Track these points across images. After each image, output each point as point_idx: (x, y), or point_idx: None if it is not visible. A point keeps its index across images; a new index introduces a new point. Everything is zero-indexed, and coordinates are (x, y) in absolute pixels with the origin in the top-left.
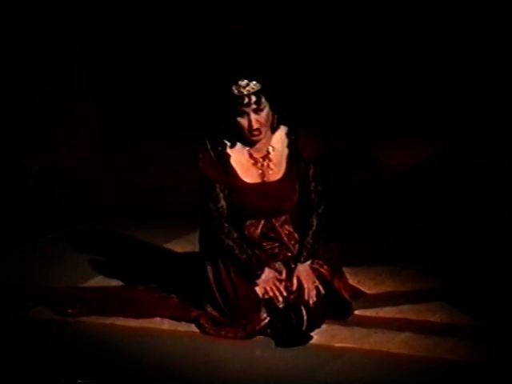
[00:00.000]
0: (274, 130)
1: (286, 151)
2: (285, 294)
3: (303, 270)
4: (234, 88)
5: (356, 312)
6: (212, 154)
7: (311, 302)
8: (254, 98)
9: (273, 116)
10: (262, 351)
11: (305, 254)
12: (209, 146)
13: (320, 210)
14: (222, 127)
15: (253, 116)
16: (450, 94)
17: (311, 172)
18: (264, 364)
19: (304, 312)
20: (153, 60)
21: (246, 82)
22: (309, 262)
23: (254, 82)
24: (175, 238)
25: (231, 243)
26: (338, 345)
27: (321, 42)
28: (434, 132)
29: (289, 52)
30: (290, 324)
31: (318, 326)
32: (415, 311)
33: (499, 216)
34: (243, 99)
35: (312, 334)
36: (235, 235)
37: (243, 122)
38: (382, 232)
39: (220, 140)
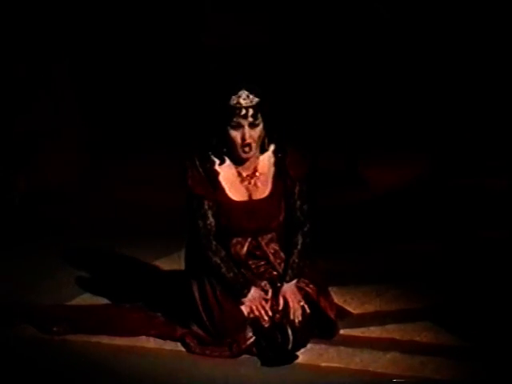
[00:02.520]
0: (263, 150)
1: (272, 169)
2: (270, 313)
3: (289, 289)
4: (233, 98)
5: (342, 331)
6: (201, 170)
7: (297, 321)
8: (251, 111)
9: (264, 135)
10: (247, 370)
11: (290, 273)
12: (197, 162)
13: (305, 229)
14: (212, 142)
15: (247, 130)
16: (435, 115)
17: (297, 190)
18: (249, 383)
19: (290, 331)
20: (140, 78)
21: (246, 93)
22: (294, 281)
23: (254, 96)
24: (162, 256)
25: (218, 261)
26: (324, 364)
27: (308, 59)
28: (419, 152)
29: (275, 70)
30: (275, 343)
31: (304, 346)
32: (401, 331)
33: (485, 236)
34: (241, 111)
35: (298, 353)
36: (223, 253)
37: (236, 134)
38: (369, 251)
39: (209, 156)
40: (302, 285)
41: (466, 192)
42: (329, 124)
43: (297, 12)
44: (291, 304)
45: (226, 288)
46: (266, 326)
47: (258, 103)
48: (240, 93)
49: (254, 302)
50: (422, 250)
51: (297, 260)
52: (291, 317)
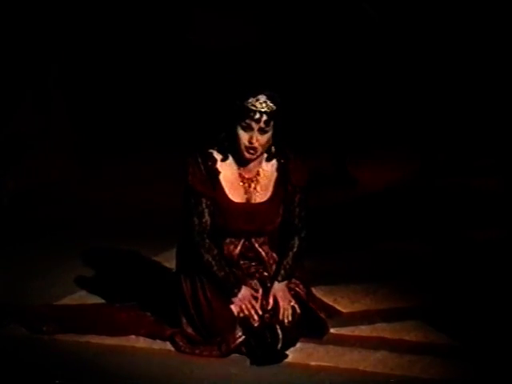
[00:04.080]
0: (269, 158)
1: (274, 174)
2: (260, 312)
3: (280, 289)
4: (251, 99)
5: (332, 330)
6: (202, 168)
7: (286, 321)
8: (265, 117)
9: (271, 143)
10: (237, 370)
11: (283, 273)
12: (199, 159)
13: (302, 235)
14: (220, 135)
15: (256, 134)
16: (423, 114)
17: (297, 197)
18: (239, 383)
19: (279, 331)
20: (130, 78)
21: (264, 98)
22: (285, 282)
23: (272, 103)
24: (153, 256)
25: (210, 259)
26: (313, 363)
27: (295, 59)
28: (408, 152)
29: (263, 69)
30: (265, 342)
31: (294, 345)
32: (391, 330)
33: (473, 235)
34: (255, 114)
35: (288, 352)
36: (215, 252)
37: (244, 136)
38: (358, 251)
39: (211, 154)
40: (293, 285)
41: (454, 191)
42: (317, 123)
43: (285, 11)
44: (281, 304)
45: (216, 287)
46: (256, 325)
47: (273, 111)
48: (259, 96)
49: (243, 301)
50: (411, 249)
51: (290, 262)
52: (281, 317)
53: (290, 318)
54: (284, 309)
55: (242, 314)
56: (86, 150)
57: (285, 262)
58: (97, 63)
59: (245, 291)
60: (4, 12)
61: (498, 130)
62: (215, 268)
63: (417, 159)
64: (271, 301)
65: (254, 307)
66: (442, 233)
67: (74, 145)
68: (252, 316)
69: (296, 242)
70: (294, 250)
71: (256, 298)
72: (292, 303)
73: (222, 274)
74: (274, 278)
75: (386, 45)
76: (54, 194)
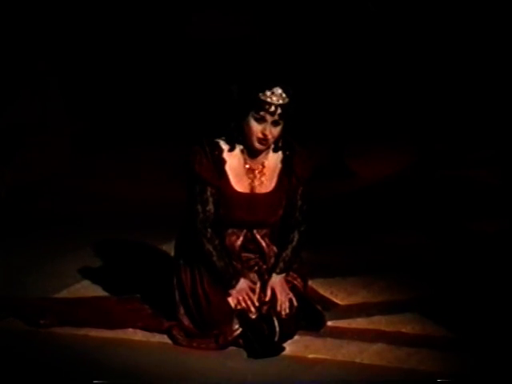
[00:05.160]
0: (276, 149)
1: (279, 166)
2: (257, 304)
3: (278, 281)
4: (266, 92)
5: (329, 323)
6: (209, 156)
7: (284, 313)
8: (279, 110)
9: (281, 135)
10: (234, 362)
11: (281, 265)
12: (207, 149)
13: (302, 228)
14: (230, 125)
15: (269, 126)
16: (421, 106)
17: (300, 190)
18: (236, 375)
19: (276, 323)
20: (127, 71)
21: (280, 91)
22: (283, 275)
23: (287, 97)
24: (151, 249)
25: (211, 248)
26: (310, 356)
27: (293, 52)
28: (405, 144)
29: (261, 62)
30: (262, 335)
31: (291, 337)
32: (388, 322)
33: (471, 227)
34: (270, 107)
35: (285, 345)
36: (216, 241)
37: (257, 127)
38: (356, 243)
39: (218, 144)
40: (290, 278)
41: (452, 183)
42: (314, 116)
43: (283, 4)
44: (279, 296)
45: (214, 277)
46: (253, 317)
47: (287, 104)
48: (275, 89)
49: (241, 292)
50: (409, 242)
51: (290, 255)
52: (278, 308)
53: (287, 311)
54: (281, 301)
55: (239, 306)
56: (84, 143)
57: (284, 255)
58: (94, 55)
59: (243, 283)
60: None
61: (495, 121)
62: (215, 258)
63: (415, 151)
64: (269, 292)
65: (251, 299)
66: (440, 225)
67: (71, 137)
68: (249, 308)
69: (296, 235)
70: (294, 243)
71: (253, 291)
72: (289, 296)
73: (222, 264)
74: (272, 271)
75: (383, 37)
76: (52, 187)
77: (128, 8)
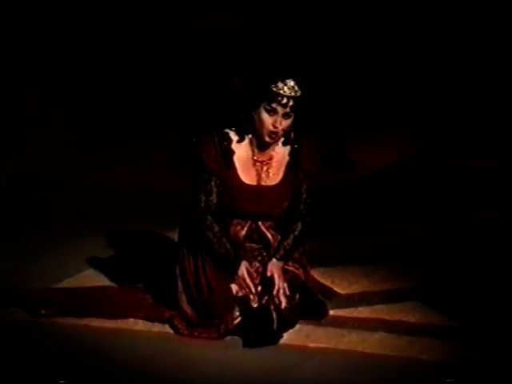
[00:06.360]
0: (286, 143)
1: (286, 159)
2: (256, 290)
3: (277, 266)
4: (279, 84)
5: (330, 312)
6: (217, 147)
7: (281, 298)
8: (291, 102)
9: (291, 128)
10: (235, 352)
11: (282, 252)
12: (216, 139)
13: (306, 220)
14: (241, 116)
15: (280, 118)
16: (421, 95)
17: (306, 184)
18: (238, 365)
19: (274, 312)
20: (127, 62)
21: (293, 83)
22: (282, 263)
23: (299, 89)
24: (152, 238)
25: (211, 236)
26: (312, 345)
27: (293, 42)
28: (406, 132)
29: (261, 52)
30: (259, 323)
31: (292, 327)
32: (389, 311)
33: (473, 215)
34: (283, 98)
35: (286, 334)
36: (216, 229)
37: (268, 119)
38: (357, 232)
39: (227, 134)
40: (292, 268)
41: (453, 172)
42: (315, 105)
43: None
44: (276, 281)
45: (216, 264)
46: (253, 305)
47: (299, 96)
48: (288, 81)
49: (242, 277)
50: (410, 231)
51: (291, 244)
52: (274, 292)
53: (283, 296)
54: (279, 286)
55: (240, 293)
56: (84, 134)
57: (285, 243)
58: (94, 47)
59: (244, 268)
60: None
61: (495, 110)
62: (216, 245)
63: (415, 140)
64: (268, 274)
65: (252, 282)
66: (441, 214)
67: (72, 128)
68: (250, 290)
69: (299, 226)
70: (296, 233)
71: (254, 276)
72: (285, 285)
73: (222, 250)
74: (272, 256)
75: (383, 28)
76: (52, 178)
77: (127, 0)
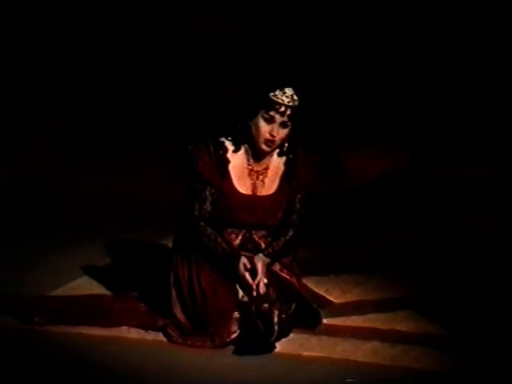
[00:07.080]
0: (281, 153)
1: (281, 169)
2: (252, 282)
3: (262, 261)
4: (277, 92)
5: (324, 321)
6: (213, 156)
7: (260, 290)
8: (289, 112)
9: (287, 138)
10: (229, 360)
11: (270, 251)
12: (211, 148)
13: (297, 228)
14: (237, 125)
15: (277, 127)
16: (416, 104)
17: (300, 194)
18: (232, 373)
19: (276, 322)
20: (123, 68)
21: (291, 92)
22: (268, 260)
23: (298, 98)
24: (147, 246)
25: (206, 240)
26: (305, 353)
27: (287, 50)
28: (401, 141)
29: (254, 61)
30: (257, 332)
31: (286, 336)
32: (382, 320)
33: (466, 225)
34: (281, 107)
35: (280, 342)
36: (209, 231)
37: (265, 127)
38: (350, 241)
39: (222, 143)
40: (287, 276)
41: (446, 181)
42: (309, 113)
43: (276, 3)
44: (259, 274)
45: (218, 266)
46: (253, 310)
47: (297, 106)
48: (286, 89)
49: (242, 275)
50: (403, 239)
51: (280, 246)
52: (255, 282)
53: (264, 289)
54: (260, 278)
55: (245, 299)
56: (78, 139)
57: (275, 244)
58: (88, 54)
59: (242, 267)
60: None
61: (490, 119)
62: (213, 249)
63: (409, 149)
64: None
65: (251, 277)
66: (434, 222)
67: (65, 134)
68: (251, 288)
69: (290, 232)
70: (287, 237)
71: (249, 270)
72: (265, 280)
73: (220, 251)
74: (260, 251)
75: (377, 36)
76: (47, 184)
77: (122, 8)
